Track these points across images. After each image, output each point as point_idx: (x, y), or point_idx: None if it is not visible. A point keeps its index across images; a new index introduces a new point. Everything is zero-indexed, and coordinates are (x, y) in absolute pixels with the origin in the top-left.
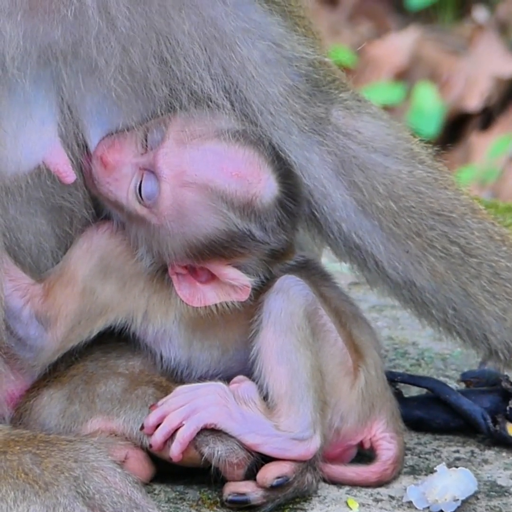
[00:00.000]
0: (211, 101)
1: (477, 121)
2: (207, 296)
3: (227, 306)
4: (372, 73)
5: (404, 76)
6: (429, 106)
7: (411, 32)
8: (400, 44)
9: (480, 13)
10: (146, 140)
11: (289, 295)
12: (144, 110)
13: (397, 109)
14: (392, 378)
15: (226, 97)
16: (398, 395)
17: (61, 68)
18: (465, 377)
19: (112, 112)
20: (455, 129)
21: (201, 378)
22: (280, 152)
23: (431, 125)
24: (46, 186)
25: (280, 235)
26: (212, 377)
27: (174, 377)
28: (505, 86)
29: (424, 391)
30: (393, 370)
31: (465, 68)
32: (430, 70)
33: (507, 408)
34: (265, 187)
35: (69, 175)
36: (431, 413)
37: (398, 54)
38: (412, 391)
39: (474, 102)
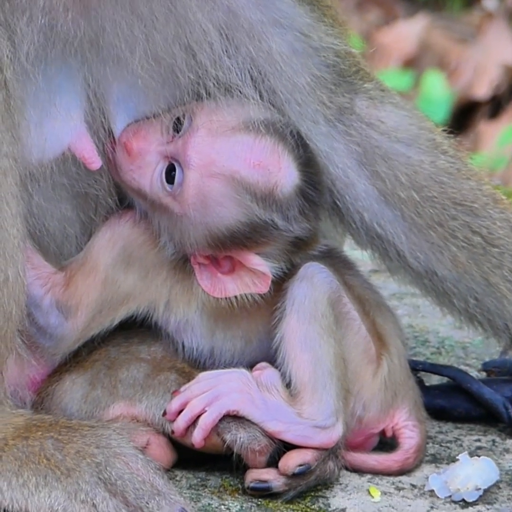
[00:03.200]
0: (240, 92)
1: (486, 109)
2: (228, 287)
3: (248, 298)
4: (380, 61)
5: (413, 63)
6: (438, 94)
7: (420, 19)
8: (408, 31)
9: (489, 1)
10: (172, 128)
11: (313, 282)
12: (171, 97)
13: (405, 96)
14: (414, 367)
15: (255, 87)
16: (420, 383)
17: (87, 56)
18: (487, 367)
19: (138, 99)
20: (464, 117)
21: (225, 367)
22: (306, 140)
23: (440, 113)
24: (71, 172)
25: (303, 223)
26: (236, 366)
27: (197, 366)
28: None
29: (445, 380)
30: (414, 358)
31: (474, 56)
32: (439, 57)
33: None
34: (285, 175)
35: (95, 162)
36: (452, 402)
37: (407, 41)
38: (433, 380)
39: (482, 90)
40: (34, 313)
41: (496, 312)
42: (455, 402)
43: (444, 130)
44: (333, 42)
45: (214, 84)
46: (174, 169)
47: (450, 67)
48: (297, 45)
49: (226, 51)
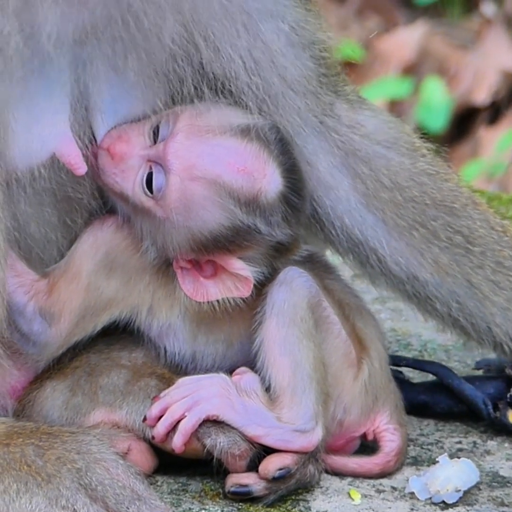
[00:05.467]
0: (231, 90)
1: (485, 115)
2: (210, 291)
3: (230, 302)
4: (380, 68)
5: (412, 70)
6: (437, 100)
7: (419, 26)
8: (408, 38)
9: (488, 7)
10: (154, 132)
11: (293, 286)
12: (158, 101)
13: (405, 103)
14: (397, 363)
15: (250, 78)
16: (405, 381)
17: (73, 59)
18: (479, 366)
19: (124, 103)
20: (463, 123)
21: (206, 372)
22: (288, 145)
23: (439, 119)
24: (55, 177)
25: (285, 229)
26: (217, 371)
27: (179, 371)
28: None
29: (430, 377)
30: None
31: (473, 62)
32: (438, 64)
33: (508, 395)
34: (270, 182)
35: (81, 167)
36: (435, 398)
37: (406, 48)
38: (416, 379)
39: (482, 96)
40: (17, 321)
41: (479, 315)
42: (438, 398)
43: (441, 137)
44: (323, 37)
45: (206, 82)
46: (157, 173)
47: (450, 74)
48: (292, 38)
49: (221, 44)
